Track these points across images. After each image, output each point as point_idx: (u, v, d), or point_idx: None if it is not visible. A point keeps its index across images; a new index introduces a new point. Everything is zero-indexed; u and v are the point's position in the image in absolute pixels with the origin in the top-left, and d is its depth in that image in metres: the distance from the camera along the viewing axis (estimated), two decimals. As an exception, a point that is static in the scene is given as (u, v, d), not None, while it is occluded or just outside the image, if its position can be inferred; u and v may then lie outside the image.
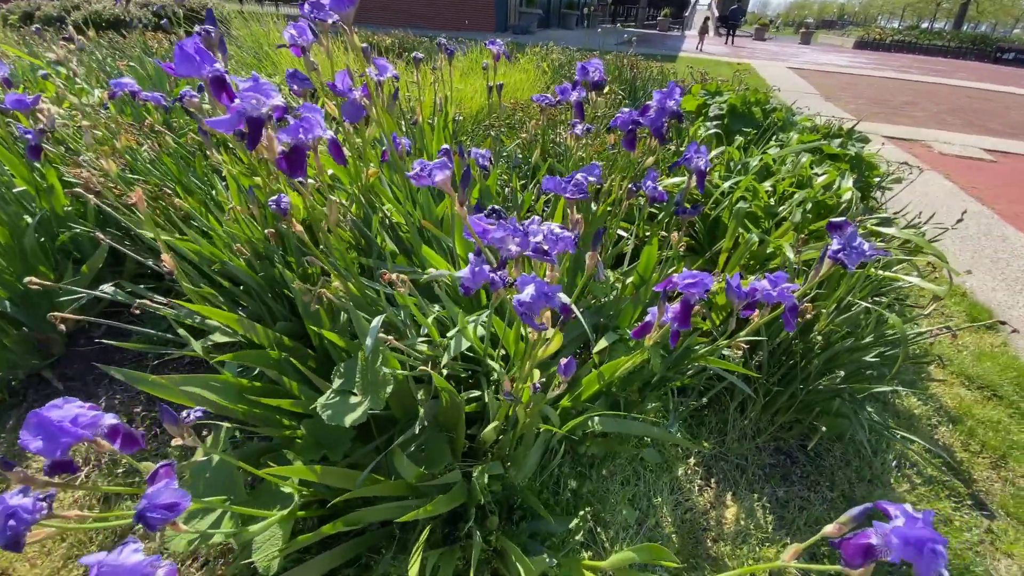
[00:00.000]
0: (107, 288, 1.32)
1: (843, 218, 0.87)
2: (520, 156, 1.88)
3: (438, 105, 1.75)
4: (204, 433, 1.42)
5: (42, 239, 1.62)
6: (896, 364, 1.38)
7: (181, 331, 1.11)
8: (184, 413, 0.74)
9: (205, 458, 0.94)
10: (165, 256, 1.04)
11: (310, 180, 1.18)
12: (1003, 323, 1.78)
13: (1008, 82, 15.15)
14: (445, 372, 1.03)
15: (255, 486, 1.03)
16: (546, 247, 0.70)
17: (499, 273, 0.79)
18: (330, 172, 1.51)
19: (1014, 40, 34.93)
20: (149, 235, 1.19)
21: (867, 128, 6.83)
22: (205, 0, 8.05)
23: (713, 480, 1.55)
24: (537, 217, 0.77)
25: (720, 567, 1.33)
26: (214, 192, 1.50)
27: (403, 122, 1.67)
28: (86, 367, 1.73)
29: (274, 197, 0.97)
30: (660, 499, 1.46)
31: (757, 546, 1.38)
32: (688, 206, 1.35)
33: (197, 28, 0.95)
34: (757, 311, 0.99)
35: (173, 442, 0.73)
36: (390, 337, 0.90)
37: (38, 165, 1.57)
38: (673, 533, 1.38)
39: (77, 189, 1.30)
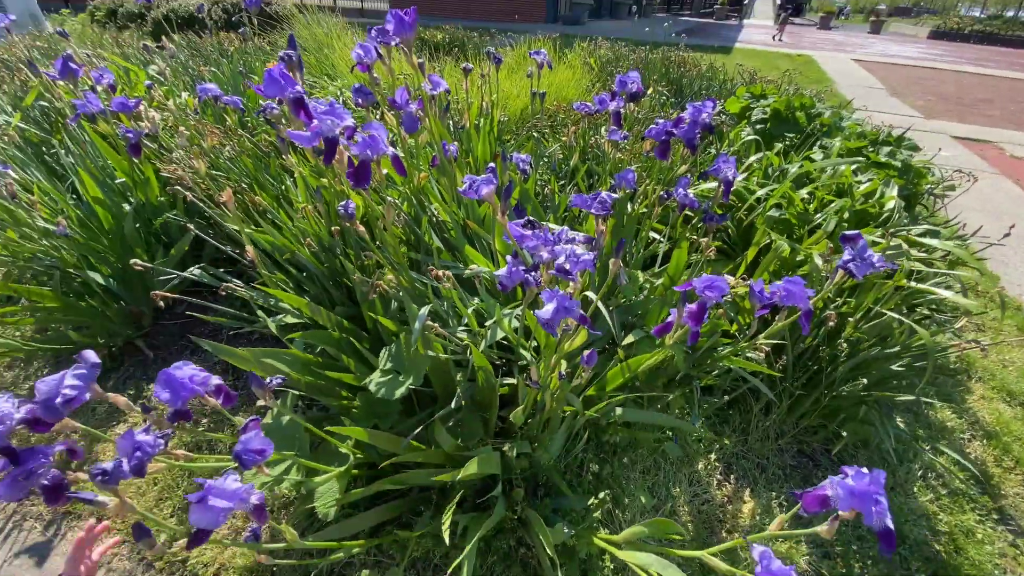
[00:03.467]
0: (195, 271, 1.52)
1: (857, 231, 0.93)
2: (561, 157, 1.98)
3: (485, 108, 1.87)
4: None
5: (138, 225, 1.86)
6: (925, 376, 1.40)
7: (259, 312, 1.29)
8: (268, 380, 0.90)
9: (277, 419, 1.11)
10: (249, 248, 1.21)
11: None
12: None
13: (1106, 76, 13.75)
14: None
15: (316, 448, 1.19)
16: (567, 267, 0.80)
17: (532, 274, 0.90)
18: (385, 171, 1.66)
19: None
20: (233, 227, 1.37)
21: (935, 127, 6.46)
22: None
23: (732, 476, 1.62)
24: (565, 228, 0.87)
25: (733, 558, 1.41)
26: (284, 189, 1.68)
27: (451, 124, 1.80)
28: (170, 338, 1.97)
29: (342, 203, 1.12)
30: (679, 490, 1.54)
31: (771, 541, 1.45)
32: (719, 212, 1.41)
33: (281, 53, 1.10)
34: (777, 313, 1.06)
35: (258, 403, 0.89)
36: (435, 324, 1.03)
37: (136, 161, 1.80)
38: (689, 521, 1.47)
39: (172, 186, 1.50)
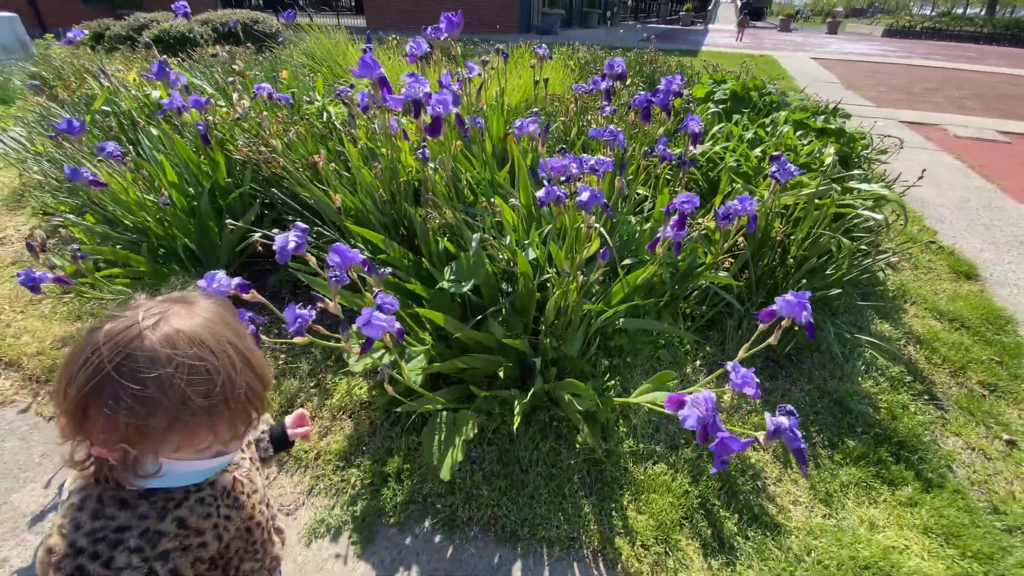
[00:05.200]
0: (276, 231, 1.87)
1: (780, 153, 1.34)
2: (561, 134, 2.38)
3: (495, 96, 2.26)
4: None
5: (217, 202, 2.20)
6: (849, 274, 1.82)
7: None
8: (380, 269, 1.26)
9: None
10: (337, 197, 1.57)
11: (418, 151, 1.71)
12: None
13: (1043, 65, 14.84)
14: (519, 271, 1.54)
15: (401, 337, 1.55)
16: (597, 168, 1.19)
17: (562, 191, 1.29)
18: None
19: (1059, 21, 33.51)
20: (305, 194, 1.73)
21: (886, 114, 7.08)
22: (256, 15, 8.79)
23: (704, 381, 2.01)
24: (586, 156, 1.27)
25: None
26: (343, 161, 2.04)
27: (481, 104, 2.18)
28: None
29: (419, 150, 1.49)
30: (672, 384, 1.93)
31: (746, 415, 1.85)
32: (688, 160, 1.82)
33: (365, 46, 1.47)
34: (735, 222, 1.46)
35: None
36: (489, 237, 1.41)
37: (208, 149, 2.14)
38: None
39: (253, 161, 1.86)
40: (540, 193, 1.30)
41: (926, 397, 2.02)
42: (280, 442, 0.97)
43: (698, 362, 2.05)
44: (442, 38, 1.55)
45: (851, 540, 1.45)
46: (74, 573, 0.56)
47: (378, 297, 1.13)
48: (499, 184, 1.81)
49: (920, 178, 2.30)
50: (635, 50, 5.85)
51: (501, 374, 1.42)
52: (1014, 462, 1.77)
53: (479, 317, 1.52)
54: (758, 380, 1.02)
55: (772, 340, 1.16)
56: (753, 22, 22.53)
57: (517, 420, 1.39)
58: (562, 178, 1.33)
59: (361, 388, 1.77)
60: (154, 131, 2.24)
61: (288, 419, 1.00)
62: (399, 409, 1.45)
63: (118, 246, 2.01)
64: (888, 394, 1.99)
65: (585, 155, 1.24)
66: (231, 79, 2.41)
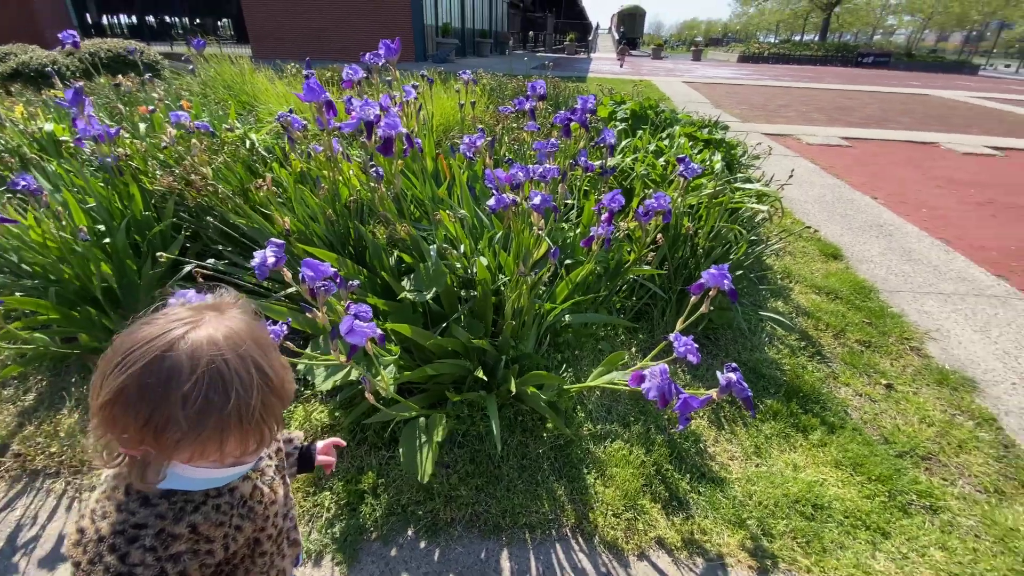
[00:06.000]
0: (211, 261, 1.81)
1: (686, 156, 1.58)
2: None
3: (423, 120, 2.36)
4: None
5: (132, 237, 2.04)
6: (746, 260, 2.14)
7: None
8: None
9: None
10: (285, 219, 1.57)
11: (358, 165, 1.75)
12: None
13: (866, 82, 17.96)
14: (475, 277, 1.64)
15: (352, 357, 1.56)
16: (546, 175, 1.33)
17: (509, 197, 1.42)
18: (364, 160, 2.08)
19: (872, 45, 40.77)
20: (241, 220, 1.70)
21: (750, 128, 8.15)
22: (129, 45, 8.12)
23: (647, 358, 2.24)
24: (532, 166, 1.41)
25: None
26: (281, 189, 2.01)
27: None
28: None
29: (373, 168, 1.54)
30: (621, 363, 2.11)
31: (684, 388, 2.07)
32: (609, 169, 2.05)
33: (305, 72, 1.51)
34: (653, 219, 1.68)
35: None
36: (448, 247, 1.49)
37: (121, 182, 2.00)
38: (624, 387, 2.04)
39: (174, 191, 1.78)
40: (491, 202, 1.41)
41: (819, 357, 2.39)
42: (305, 462, 0.97)
43: (634, 348, 2.26)
44: (381, 63, 1.63)
45: (781, 481, 1.69)
46: (94, 559, 0.59)
47: (352, 307, 1.17)
48: (441, 199, 1.90)
49: (790, 177, 2.76)
50: (533, 76, 6.26)
51: (479, 374, 1.49)
52: (894, 401, 2.15)
53: (444, 325, 1.59)
54: (693, 360, 1.19)
55: (703, 308, 1.36)
56: (631, 51, 24.90)
57: (495, 425, 1.47)
58: (508, 187, 1.46)
59: (321, 412, 1.74)
60: (50, 167, 2.05)
61: (320, 444, 1.01)
62: (370, 420, 1.47)
63: (18, 293, 1.80)
64: (790, 358, 2.33)
65: (531, 165, 1.39)
66: (142, 109, 2.27)
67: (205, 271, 1.56)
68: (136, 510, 0.62)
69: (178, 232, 2.07)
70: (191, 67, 3.71)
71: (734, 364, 1.09)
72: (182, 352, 0.56)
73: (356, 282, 1.29)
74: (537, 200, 1.27)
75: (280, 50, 17.98)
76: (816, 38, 40.89)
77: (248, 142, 2.20)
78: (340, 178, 1.81)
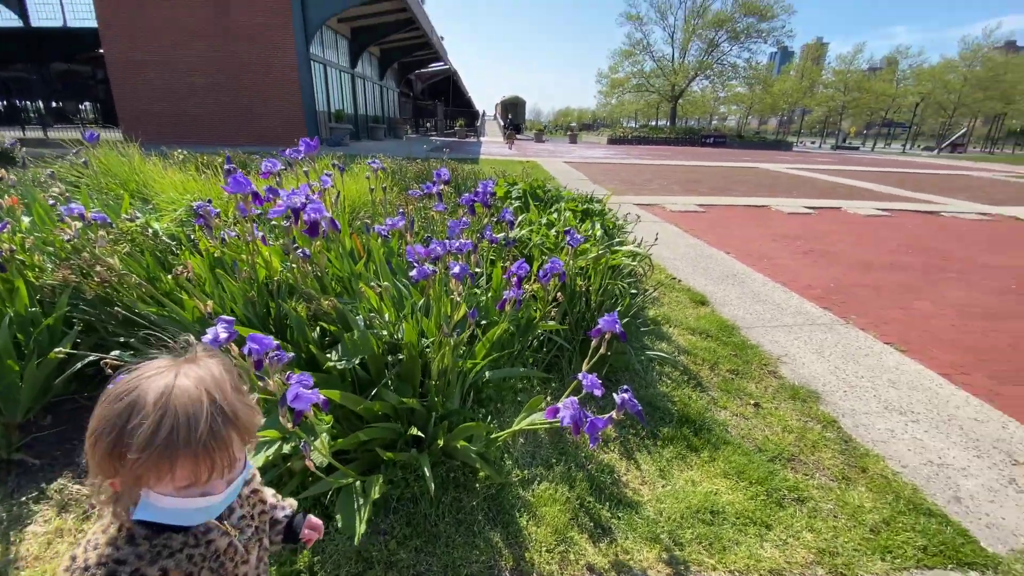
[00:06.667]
0: (117, 353, 1.74)
1: (572, 228, 1.92)
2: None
3: (333, 202, 2.52)
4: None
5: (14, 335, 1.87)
6: (630, 310, 2.52)
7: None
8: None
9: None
10: (208, 303, 1.60)
11: (285, 246, 1.86)
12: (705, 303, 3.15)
13: (710, 159, 21.40)
14: (402, 342, 1.77)
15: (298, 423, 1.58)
16: (461, 248, 1.56)
17: (430, 268, 1.62)
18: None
19: (711, 129, 49.08)
20: (152, 308, 1.71)
21: (623, 200, 9.32)
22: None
23: (562, 398, 2.46)
24: (448, 240, 1.63)
25: (567, 437, 2.20)
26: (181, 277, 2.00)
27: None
28: (50, 445, 1.92)
29: (300, 250, 1.64)
30: (542, 406, 2.30)
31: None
32: (511, 240, 2.35)
33: (227, 167, 1.63)
34: (552, 280, 1.98)
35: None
36: (374, 315, 1.62)
37: (1, 276, 1.87)
38: (542, 429, 2.23)
39: (71, 283, 1.73)
40: (413, 273, 1.60)
41: (700, 387, 2.79)
42: (291, 533, 0.99)
43: (548, 397, 2.48)
44: (300, 158, 1.80)
45: (684, 496, 1.95)
46: None
47: (294, 377, 1.25)
48: (359, 274, 2.04)
49: (655, 240, 3.31)
50: (431, 160, 6.73)
51: (413, 431, 1.58)
52: (762, 417, 2.57)
53: (374, 391, 1.68)
54: (598, 393, 1.44)
55: (602, 350, 1.63)
56: (517, 135, 27.49)
57: (430, 483, 1.56)
58: (427, 260, 1.66)
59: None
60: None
61: (312, 517, 1.03)
62: (307, 493, 1.48)
63: None
64: (677, 391, 2.69)
65: (447, 240, 1.62)
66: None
67: (113, 363, 1.52)
68: (121, 546, 0.69)
69: (70, 327, 1.95)
70: (78, 157, 3.53)
71: (626, 386, 1.34)
72: (145, 390, 0.66)
73: (292, 354, 1.37)
74: (456, 269, 1.49)
75: (150, 133, 17.15)
76: (668, 123, 48.33)
77: (152, 231, 2.18)
78: (259, 260, 1.88)
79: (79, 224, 1.76)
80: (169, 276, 1.95)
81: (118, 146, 3.72)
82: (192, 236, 2.36)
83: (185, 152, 5.91)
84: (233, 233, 1.95)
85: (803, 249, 6.12)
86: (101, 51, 18.00)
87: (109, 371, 1.49)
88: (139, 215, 2.25)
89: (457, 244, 1.60)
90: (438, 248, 1.56)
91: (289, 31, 17.43)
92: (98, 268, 1.68)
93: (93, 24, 17.98)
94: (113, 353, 1.73)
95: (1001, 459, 2.32)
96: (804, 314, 3.96)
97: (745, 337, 3.44)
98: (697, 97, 55.04)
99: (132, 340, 1.84)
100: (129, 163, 3.53)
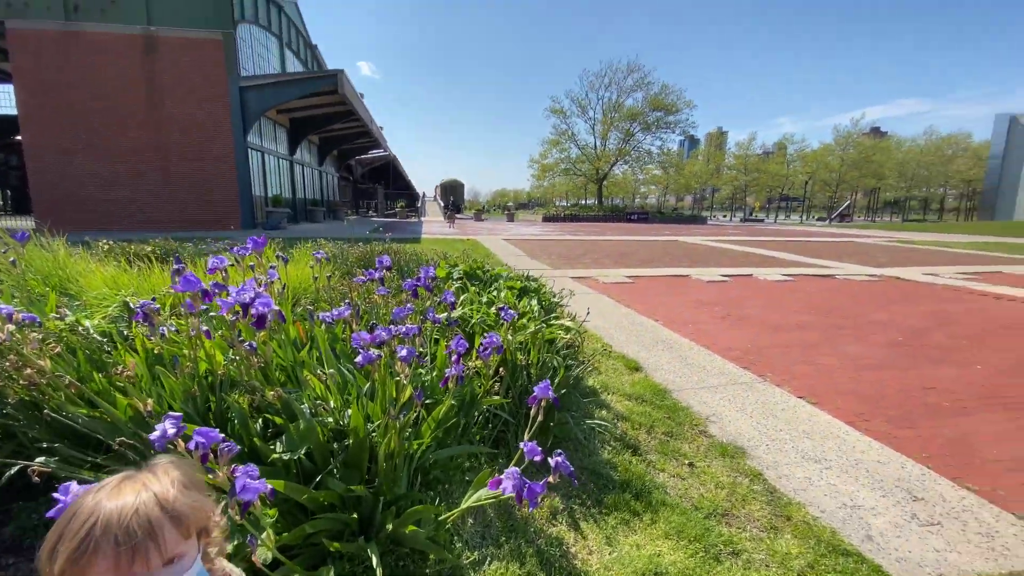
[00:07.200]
0: (42, 459, 1.65)
1: (505, 305, 2.11)
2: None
3: (279, 292, 2.58)
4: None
5: None
6: (568, 381, 2.69)
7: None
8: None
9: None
10: (149, 402, 1.59)
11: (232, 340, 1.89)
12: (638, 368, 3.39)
13: (635, 233, 23.09)
14: (349, 427, 1.81)
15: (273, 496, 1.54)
16: (407, 332, 1.68)
17: (376, 353, 1.72)
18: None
19: (635, 206, 53.49)
20: (83, 410, 1.67)
21: (559, 273, 9.83)
22: None
23: (513, 458, 2.50)
24: (393, 327, 1.75)
25: (515, 514, 2.23)
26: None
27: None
28: None
29: (246, 343, 1.68)
30: (489, 480, 2.32)
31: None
32: (454, 320, 2.49)
33: (176, 266, 1.69)
34: (492, 355, 2.12)
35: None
36: (320, 403, 1.66)
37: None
38: (490, 506, 2.25)
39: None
40: (359, 358, 1.69)
41: (639, 452, 2.93)
42: None
43: (496, 473, 2.51)
44: (247, 254, 1.90)
45: (629, 561, 2.02)
46: None
47: (239, 469, 1.28)
48: (303, 361, 2.09)
49: (588, 314, 3.57)
50: (373, 242, 6.90)
51: (354, 519, 1.58)
52: (696, 476, 2.73)
53: (318, 479, 1.68)
54: (538, 459, 1.56)
55: (540, 417, 1.76)
56: (457, 215, 28.63)
57: (379, 572, 1.56)
58: (373, 345, 1.77)
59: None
60: None
61: None
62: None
63: None
64: (618, 457, 2.82)
65: (392, 326, 1.73)
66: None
67: (41, 470, 1.45)
68: None
69: (-19, 436, 1.82)
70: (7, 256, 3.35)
71: (560, 451, 1.47)
72: (86, 502, 0.76)
73: (238, 447, 1.40)
74: (404, 352, 1.60)
75: (79, 223, 16.30)
76: (596, 202, 52.25)
77: (83, 328, 2.12)
78: (200, 355, 1.90)
79: (12, 327, 1.71)
80: (100, 375, 1.91)
81: (40, 240, 3.60)
82: (126, 333, 2.31)
83: (111, 243, 5.72)
84: (173, 328, 1.96)
85: (721, 314, 6.69)
86: (17, 137, 17.31)
87: (36, 479, 1.44)
88: (68, 313, 2.19)
89: (404, 329, 1.72)
90: (383, 334, 1.68)
91: (227, 122, 17.71)
92: (27, 371, 1.63)
93: (10, 111, 17.40)
94: (39, 460, 1.64)
95: (903, 496, 2.60)
96: (727, 374, 4.30)
97: (677, 400, 3.68)
98: (620, 179, 60.54)
99: (57, 445, 1.74)
100: (54, 257, 3.40)
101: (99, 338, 2.19)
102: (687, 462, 2.84)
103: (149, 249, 6.61)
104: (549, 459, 1.43)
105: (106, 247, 5.15)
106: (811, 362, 4.72)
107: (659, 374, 4.22)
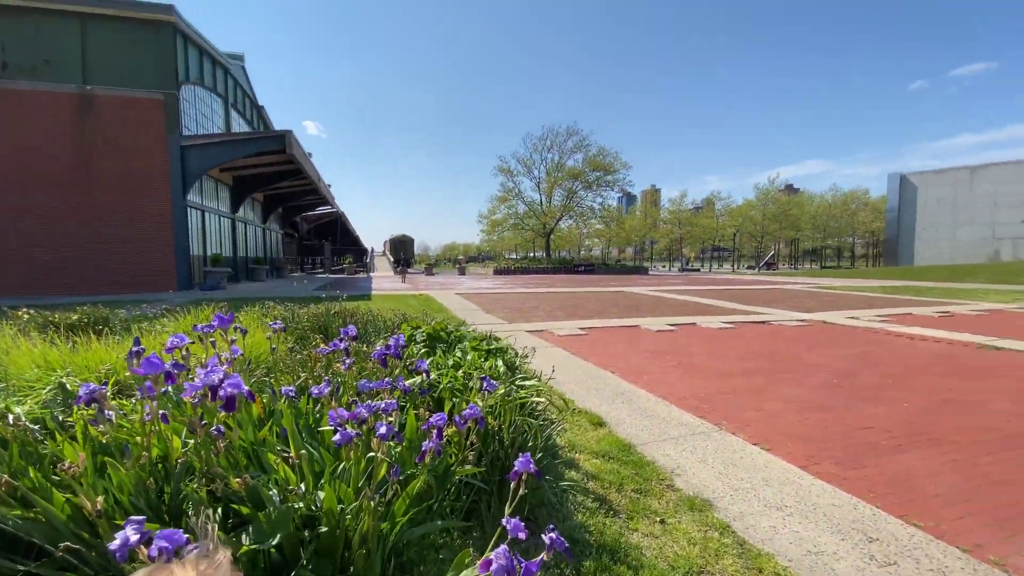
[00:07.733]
0: None
1: (487, 376, 2.13)
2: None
3: (241, 366, 2.46)
4: None
5: None
6: (541, 441, 2.69)
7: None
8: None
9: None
10: (99, 499, 1.44)
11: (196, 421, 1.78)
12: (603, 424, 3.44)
13: (584, 285, 23.77)
14: (322, 511, 1.71)
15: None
16: (385, 408, 1.65)
17: (354, 432, 1.67)
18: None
19: (583, 258, 55.50)
20: (16, 512, 1.51)
21: (514, 327, 9.91)
22: None
23: (489, 548, 2.42)
24: (371, 403, 1.71)
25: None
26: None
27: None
28: None
29: (215, 427, 1.58)
30: (468, 560, 2.22)
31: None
32: (425, 389, 2.46)
33: (135, 348, 1.60)
34: (468, 424, 2.11)
35: None
36: (292, 488, 1.57)
37: None
38: (473, 593, 2.15)
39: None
40: (336, 437, 1.64)
41: (612, 512, 2.93)
42: None
43: (471, 546, 2.42)
44: (213, 331, 1.83)
45: (614, 632, 1.98)
46: None
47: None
48: (267, 440, 1.98)
49: (552, 372, 3.62)
50: (325, 302, 6.73)
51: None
52: (669, 533, 2.74)
53: (293, 573, 1.56)
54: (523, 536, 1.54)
55: (522, 491, 1.75)
56: (408, 269, 28.47)
57: None
58: (350, 423, 1.72)
59: None
60: None
61: None
62: None
63: None
64: (592, 519, 2.80)
65: (371, 402, 1.70)
66: None
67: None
68: None
69: None
70: None
71: (552, 525, 1.47)
72: None
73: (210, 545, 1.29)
74: (383, 429, 1.57)
75: (7, 287, 14.89)
76: (544, 254, 53.86)
77: (11, 417, 1.92)
78: (154, 441, 1.76)
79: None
80: (35, 470, 1.73)
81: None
82: (61, 418, 2.10)
83: (32, 311, 5.28)
84: (122, 412, 1.83)
85: (673, 363, 6.95)
86: (-81, 198, 15.92)
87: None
88: (-4, 401, 1.98)
89: (383, 405, 1.69)
90: (363, 411, 1.64)
91: (165, 181, 17.12)
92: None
93: (-87, 171, 16.01)
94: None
95: (860, 538, 2.72)
96: (685, 425, 4.42)
97: (642, 454, 3.73)
98: (566, 232, 63.06)
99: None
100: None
101: (31, 426, 1.98)
102: (659, 519, 2.86)
103: (75, 317, 6.12)
104: (543, 536, 1.42)
105: (25, 316, 4.74)
106: (759, 408, 4.95)
107: (622, 428, 4.28)
